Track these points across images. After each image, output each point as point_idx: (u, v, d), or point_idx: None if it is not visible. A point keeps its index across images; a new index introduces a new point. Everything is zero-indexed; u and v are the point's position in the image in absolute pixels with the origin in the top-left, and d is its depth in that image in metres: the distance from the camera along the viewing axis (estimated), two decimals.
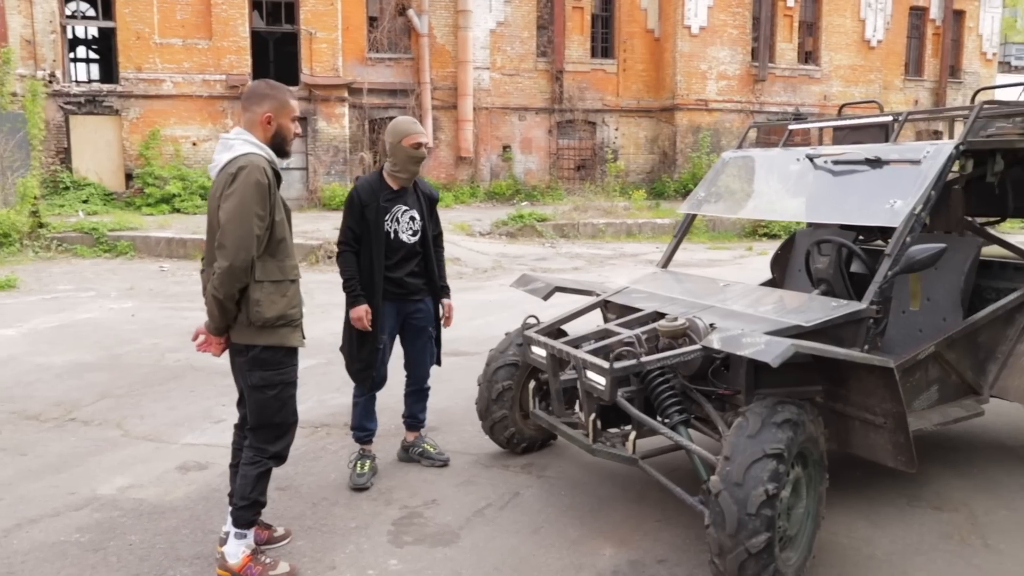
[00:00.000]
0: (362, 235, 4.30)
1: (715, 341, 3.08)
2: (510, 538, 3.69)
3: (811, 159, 4.46)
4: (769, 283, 5.37)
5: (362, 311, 4.25)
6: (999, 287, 4.55)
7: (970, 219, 4.85)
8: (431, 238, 4.49)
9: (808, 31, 25.92)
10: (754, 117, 24.46)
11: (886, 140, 4.81)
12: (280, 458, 3.37)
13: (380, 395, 4.65)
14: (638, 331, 3.64)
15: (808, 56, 25.98)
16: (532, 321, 4.17)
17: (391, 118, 24.24)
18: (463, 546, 3.61)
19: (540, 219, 18.82)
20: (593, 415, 3.55)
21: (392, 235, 4.34)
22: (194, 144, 22.20)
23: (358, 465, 4.46)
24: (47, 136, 21.50)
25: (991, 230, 5.08)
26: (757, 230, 18.28)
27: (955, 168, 4.42)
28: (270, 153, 3.27)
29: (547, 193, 24.25)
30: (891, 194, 3.82)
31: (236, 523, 3.30)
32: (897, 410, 3.17)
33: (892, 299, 4.31)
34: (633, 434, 3.50)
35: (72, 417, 5.65)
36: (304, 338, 3.46)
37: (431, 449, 4.67)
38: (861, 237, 5.04)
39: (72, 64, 31.22)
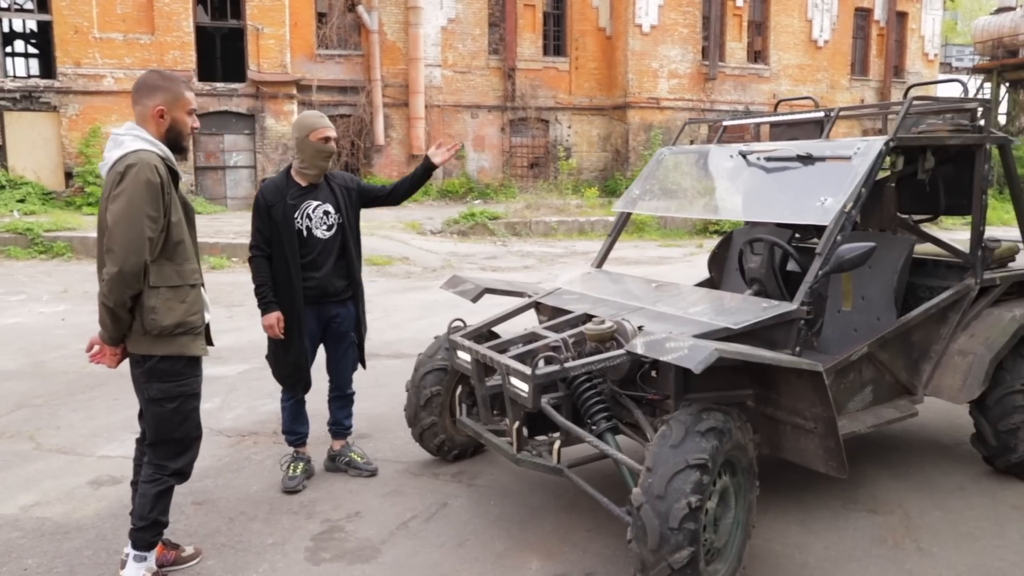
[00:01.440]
0: (272, 237, 4.15)
1: (639, 346, 2.95)
2: (433, 552, 3.53)
3: (744, 156, 4.38)
4: (706, 283, 5.29)
5: (273, 319, 4.13)
6: (932, 285, 4.52)
7: (904, 217, 4.83)
8: (351, 232, 4.31)
9: (757, 31, 26.17)
10: (705, 115, 24.62)
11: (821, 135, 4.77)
12: (182, 475, 3.16)
13: (309, 401, 4.46)
14: (565, 335, 3.51)
15: (757, 55, 26.24)
16: (458, 324, 4.01)
17: (342, 116, 23.90)
18: (383, 562, 3.44)
19: (492, 217, 18.66)
20: (517, 423, 3.40)
21: (304, 232, 4.18)
22: None
23: (290, 468, 4.31)
24: None
25: (925, 228, 5.07)
26: (708, 227, 18.36)
27: (886, 165, 4.38)
28: (164, 150, 3.05)
29: (500, 191, 24.10)
30: (822, 191, 3.73)
31: (135, 545, 3.09)
32: (827, 414, 3.09)
33: (827, 298, 4.26)
34: (557, 443, 3.36)
35: None
36: (209, 346, 3.25)
37: (358, 458, 4.49)
38: (798, 235, 4.98)
39: (9, 59, 30.27)
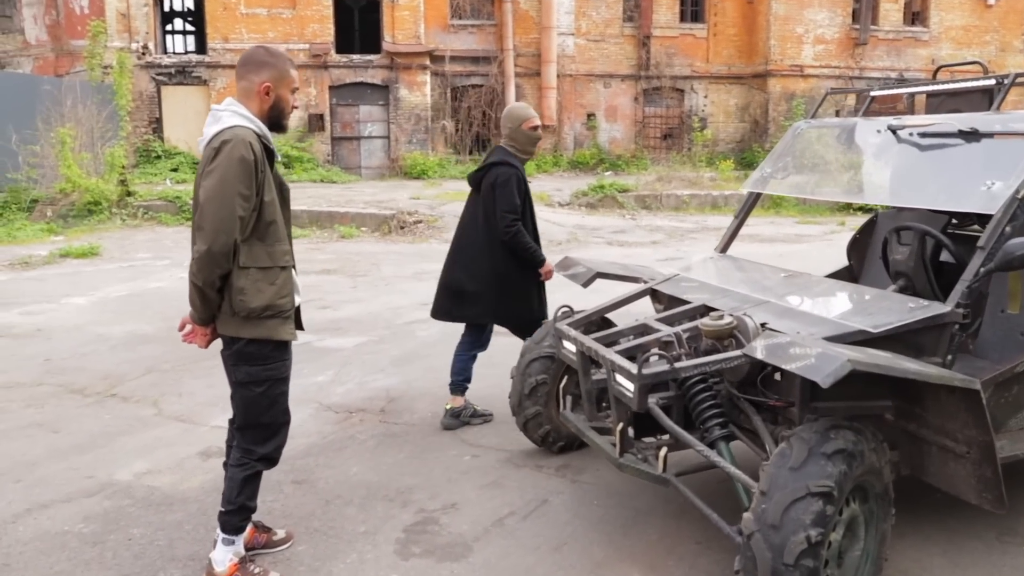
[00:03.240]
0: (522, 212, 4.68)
1: (759, 349, 2.60)
2: (527, 555, 3.32)
3: (894, 131, 3.83)
4: (845, 271, 4.77)
5: (549, 266, 4.75)
6: None
7: None
8: None
9: None
10: (853, 83, 22.99)
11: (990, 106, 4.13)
12: (270, 460, 3.09)
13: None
14: (679, 329, 3.19)
15: (915, 17, 24.20)
16: (566, 311, 3.76)
17: (474, 86, 23.95)
18: (473, 562, 3.27)
19: (621, 189, 18.17)
20: (622, 425, 3.12)
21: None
22: None
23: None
24: (140, 106, 22.13)
25: None
26: (852, 204, 17.14)
27: None
28: (261, 127, 2.95)
29: (632, 163, 23.51)
30: (989, 174, 3.18)
31: (223, 528, 3.05)
32: (984, 439, 2.63)
33: (989, 295, 3.70)
34: (664, 449, 3.05)
35: (113, 392, 5.58)
36: (299, 330, 3.15)
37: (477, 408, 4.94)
38: (955, 222, 4.37)
39: (170, 36, 32.13)
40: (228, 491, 3.04)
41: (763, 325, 3.05)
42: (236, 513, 3.03)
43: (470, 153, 23.72)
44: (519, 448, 4.41)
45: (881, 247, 4.04)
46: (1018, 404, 3.32)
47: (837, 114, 22.52)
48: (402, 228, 13.87)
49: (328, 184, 20.34)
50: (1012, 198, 3.04)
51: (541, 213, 16.48)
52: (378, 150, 23.54)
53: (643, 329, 3.38)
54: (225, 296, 2.88)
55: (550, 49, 23.32)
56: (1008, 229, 3.03)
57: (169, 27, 31.52)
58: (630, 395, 2.92)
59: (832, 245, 12.49)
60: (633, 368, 2.88)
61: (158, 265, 11.17)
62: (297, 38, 22.29)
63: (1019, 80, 3.75)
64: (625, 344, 3.24)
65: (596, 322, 3.85)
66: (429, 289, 9.81)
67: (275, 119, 3.04)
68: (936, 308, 3.00)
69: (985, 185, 3.15)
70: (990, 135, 3.35)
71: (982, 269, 2.98)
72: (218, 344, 3.09)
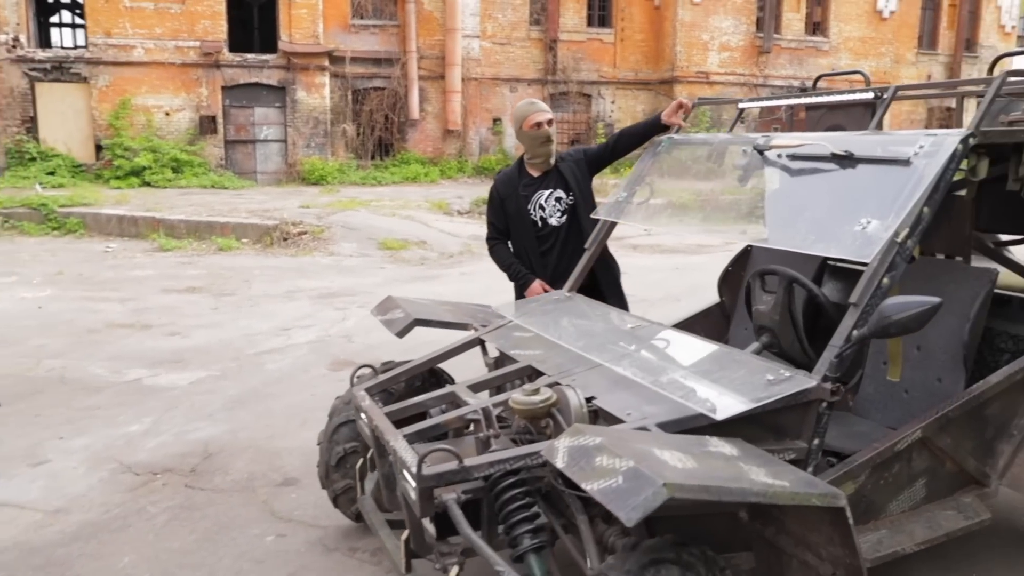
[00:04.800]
0: (507, 230, 4.20)
1: (559, 453, 2.01)
2: None
3: (761, 152, 3.23)
4: (717, 309, 4.25)
5: (538, 287, 4.03)
6: (1018, 334, 3.38)
7: (982, 237, 3.70)
8: (584, 212, 4.07)
9: (817, 1, 24.45)
10: (758, 91, 23.14)
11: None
12: None
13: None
14: (489, 403, 2.58)
15: (816, 27, 24.58)
16: (366, 372, 3.11)
17: (376, 88, 23.07)
18: None
19: None
20: (407, 533, 2.49)
21: (540, 223, 4.12)
22: (167, 114, 21.13)
23: None
24: (11, 104, 20.51)
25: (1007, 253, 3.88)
26: None
27: (963, 166, 3.15)
28: None
29: None
30: (864, 209, 2.60)
31: None
32: (851, 562, 2.11)
33: (868, 348, 3.20)
34: (455, 570, 2.43)
35: None
36: None
37: None
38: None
39: (56, 29, 30.17)
40: None
41: (590, 400, 2.47)
42: None
43: (372, 158, 22.89)
44: (336, 524, 3.74)
45: (744, 293, 3.46)
46: (899, 484, 2.78)
47: (742, 122, 22.63)
48: (285, 240, 12.98)
49: (218, 190, 19.18)
50: (890, 242, 2.47)
51: (436, 222, 15.90)
52: (275, 154, 22.44)
53: (451, 399, 2.77)
54: None
55: (455, 52, 22.68)
56: (886, 281, 2.49)
57: (55, 19, 29.62)
58: (412, 498, 2.30)
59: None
60: (414, 464, 2.26)
61: (1, 282, 10.05)
62: (187, 35, 21.03)
63: (903, 93, 3.27)
64: (424, 424, 2.61)
65: (413, 380, 3.23)
66: (298, 310, 9.12)
67: None
68: (799, 382, 2.43)
69: (859, 224, 2.58)
70: (869, 160, 2.78)
71: (855, 333, 2.45)
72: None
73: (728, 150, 3.67)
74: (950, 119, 25.61)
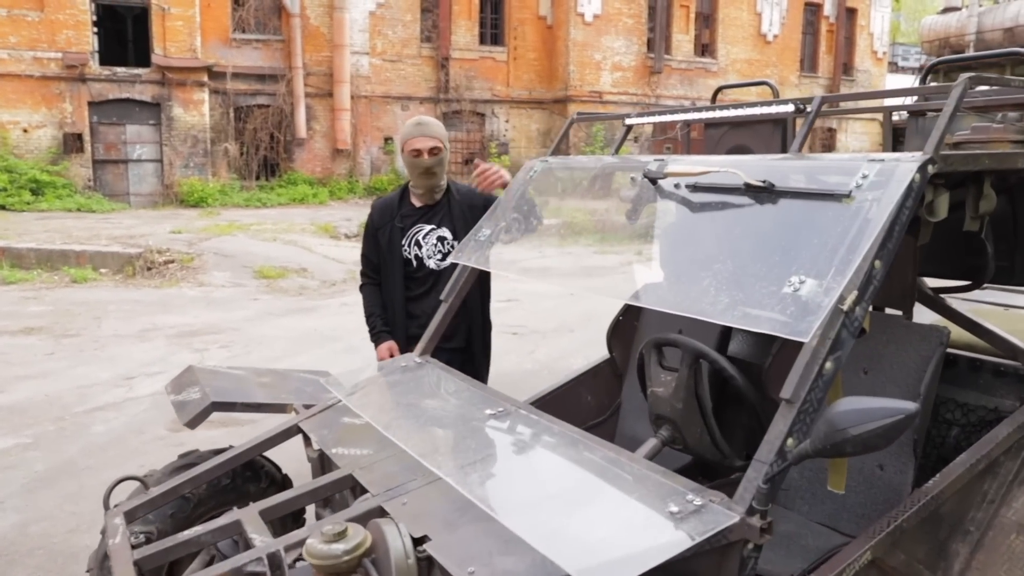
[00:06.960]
0: (379, 265, 3.64)
1: None
2: None
3: (653, 180, 2.46)
4: (607, 366, 3.62)
5: (386, 350, 3.51)
6: (969, 403, 2.86)
7: (926, 286, 3.05)
8: None
9: (705, 23, 24.97)
10: (650, 110, 23.27)
11: (784, 145, 3.02)
12: None
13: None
14: (280, 544, 1.91)
15: (705, 49, 25.04)
16: (128, 483, 2.39)
17: (260, 106, 21.96)
18: None
19: None
20: None
21: (414, 261, 3.57)
22: (25, 131, 19.44)
23: None
24: None
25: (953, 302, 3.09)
26: None
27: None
28: None
29: None
30: (793, 261, 1.90)
31: None
32: None
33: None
34: None
35: None
36: None
37: None
38: None
39: None
40: None
41: (421, 543, 1.82)
42: None
43: (256, 178, 21.76)
44: None
45: (637, 366, 2.70)
46: None
47: (635, 140, 22.63)
48: (149, 269, 11.88)
49: (85, 214, 17.68)
50: (834, 311, 1.77)
51: (319, 247, 15.01)
52: (150, 175, 21.00)
53: (237, 529, 2.09)
54: None
55: (343, 68, 21.87)
56: (829, 366, 1.78)
57: None
58: None
59: None
60: None
61: None
62: (47, 45, 19.43)
63: (826, 108, 2.52)
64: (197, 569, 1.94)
65: (226, 478, 2.55)
66: (149, 353, 8.08)
67: None
68: (714, 518, 1.70)
69: (789, 284, 1.85)
70: (795, 193, 2.08)
71: (789, 442, 1.73)
72: None
73: (614, 177, 3.08)
74: (832, 141, 26.51)
